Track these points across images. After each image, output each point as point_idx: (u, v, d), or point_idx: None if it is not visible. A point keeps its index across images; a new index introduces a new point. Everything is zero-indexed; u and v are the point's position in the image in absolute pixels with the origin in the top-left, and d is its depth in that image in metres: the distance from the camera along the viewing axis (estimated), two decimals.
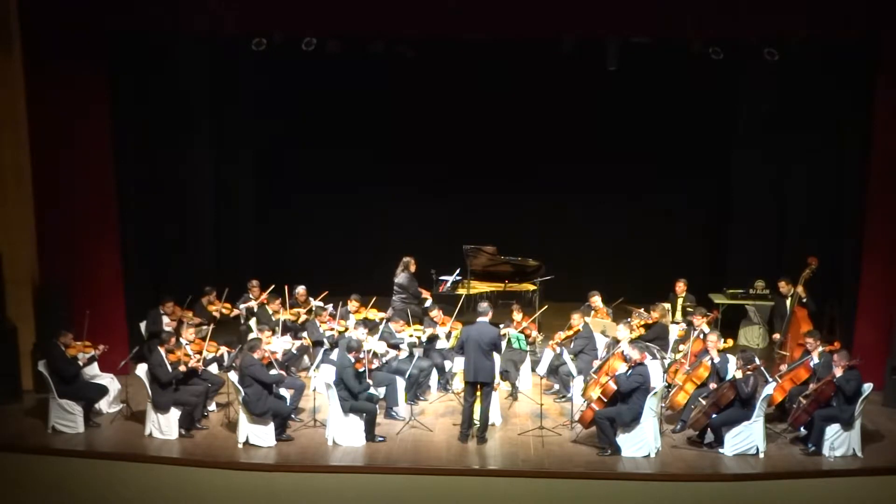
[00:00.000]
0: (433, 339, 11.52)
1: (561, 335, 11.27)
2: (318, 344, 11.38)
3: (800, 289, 11.62)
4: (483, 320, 9.94)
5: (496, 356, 10.06)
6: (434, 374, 11.45)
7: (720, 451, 9.63)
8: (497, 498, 9.25)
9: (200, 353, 10.41)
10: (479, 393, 9.84)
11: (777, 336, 11.83)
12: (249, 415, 9.73)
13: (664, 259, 14.77)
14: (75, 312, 10.96)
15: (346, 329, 11.42)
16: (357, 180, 15.39)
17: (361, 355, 10.00)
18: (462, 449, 9.78)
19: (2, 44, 10.87)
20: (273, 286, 12.43)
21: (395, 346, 11.09)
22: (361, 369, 9.90)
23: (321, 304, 12.40)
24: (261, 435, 9.77)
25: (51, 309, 11.15)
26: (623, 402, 9.54)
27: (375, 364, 10.17)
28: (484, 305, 10.12)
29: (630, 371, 9.54)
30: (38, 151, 11.27)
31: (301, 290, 12.42)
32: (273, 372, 10.00)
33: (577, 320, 11.30)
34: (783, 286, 11.85)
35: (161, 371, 9.89)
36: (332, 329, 11.52)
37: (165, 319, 11.66)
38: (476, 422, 9.92)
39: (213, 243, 14.65)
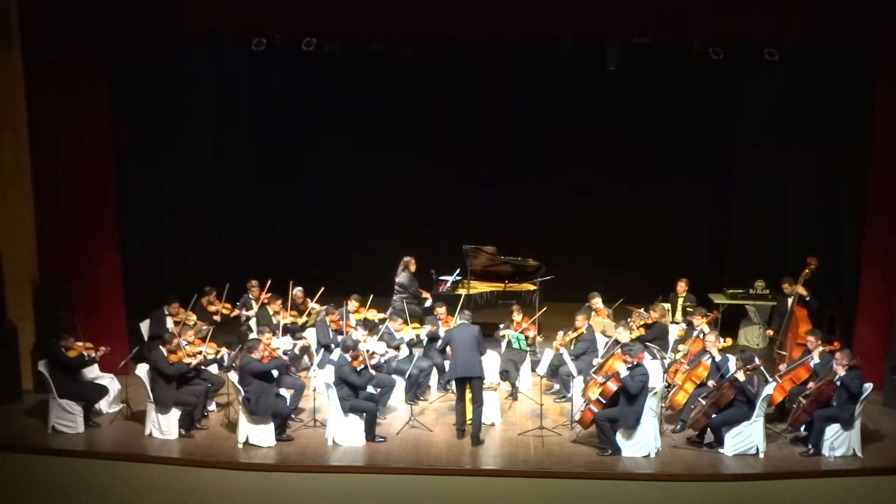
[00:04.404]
0: (434, 338, 11.52)
1: (565, 337, 11.26)
2: (326, 348, 11.34)
3: (800, 288, 11.62)
4: (464, 321, 10.17)
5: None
6: (434, 374, 11.45)
7: (720, 451, 9.64)
8: (497, 498, 9.25)
9: (200, 353, 10.43)
10: (470, 393, 9.87)
11: (770, 332, 11.84)
12: (249, 415, 9.73)
13: (664, 259, 14.77)
14: (75, 312, 10.96)
15: (345, 328, 11.43)
16: (357, 180, 15.39)
17: (358, 354, 10.00)
18: (462, 449, 9.77)
19: (2, 44, 10.87)
20: (269, 283, 12.47)
21: (396, 348, 11.08)
22: (359, 367, 9.90)
23: (316, 305, 12.42)
24: (261, 435, 9.77)
25: (51, 309, 11.14)
26: (628, 405, 9.52)
27: (374, 360, 10.16)
28: (466, 312, 10.47)
29: (632, 372, 9.52)
30: (38, 151, 11.27)
31: (298, 291, 12.43)
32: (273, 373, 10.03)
33: (580, 322, 11.31)
34: (787, 287, 11.86)
35: (164, 364, 9.90)
36: (339, 327, 11.51)
37: (169, 321, 11.65)
38: (469, 421, 9.93)
39: (213, 243, 14.64)
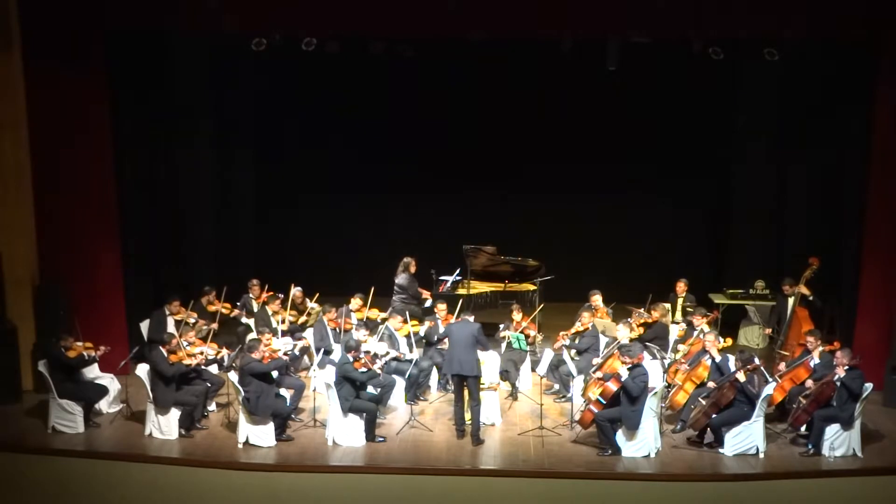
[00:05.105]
0: (431, 342, 11.53)
1: (569, 331, 11.38)
2: (325, 352, 11.32)
3: (803, 289, 11.62)
4: (466, 318, 10.21)
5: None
6: (434, 374, 11.46)
7: (720, 451, 9.64)
8: (497, 498, 9.25)
9: (201, 353, 10.43)
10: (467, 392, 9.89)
11: (769, 331, 11.86)
12: (249, 415, 9.73)
13: (664, 259, 14.77)
14: (75, 312, 10.96)
15: (352, 327, 11.45)
16: (357, 180, 15.37)
17: (360, 355, 10.01)
18: (462, 449, 9.78)
19: (2, 44, 10.87)
20: (268, 284, 12.47)
21: (396, 359, 11.04)
22: (361, 370, 9.89)
23: (316, 305, 12.42)
24: (261, 435, 9.77)
25: (51, 309, 11.14)
26: (630, 405, 9.51)
27: (377, 364, 10.16)
28: (468, 312, 10.57)
29: (632, 373, 9.51)
30: (38, 151, 11.27)
31: (297, 291, 12.42)
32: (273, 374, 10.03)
33: (587, 319, 11.43)
34: (787, 288, 11.87)
35: (164, 366, 9.90)
36: (337, 325, 11.50)
37: (170, 321, 11.63)
38: (468, 420, 9.95)
39: (213, 243, 14.64)
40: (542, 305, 12.66)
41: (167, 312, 11.72)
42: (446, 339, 10.49)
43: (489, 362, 10.55)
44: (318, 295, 12.68)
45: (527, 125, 14.86)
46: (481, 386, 10.00)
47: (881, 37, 10.95)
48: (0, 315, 11.11)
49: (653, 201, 15.24)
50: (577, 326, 11.46)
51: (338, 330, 11.50)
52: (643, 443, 9.55)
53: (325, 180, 15.40)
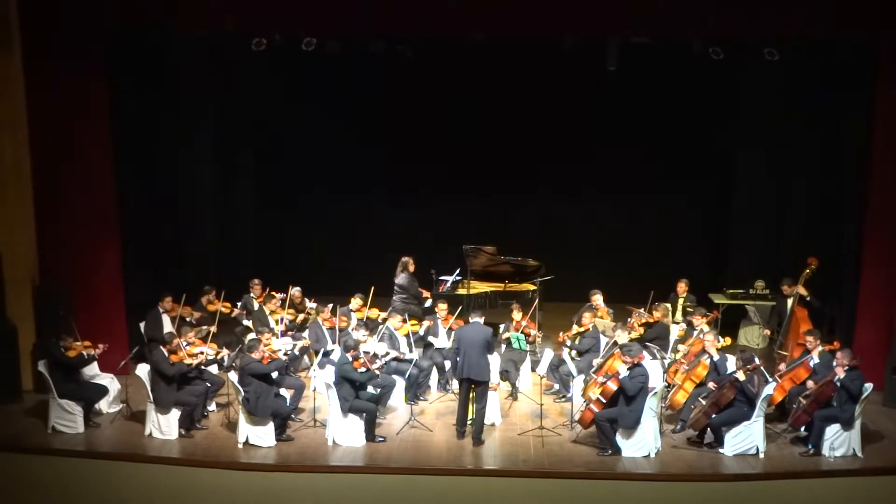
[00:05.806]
0: (428, 345, 11.51)
1: (571, 331, 11.41)
2: (324, 355, 11.32)
3: (801, 289, 11.63)
4: (477, 321, 10.09)
5: (493, 357, 10.13)
6: (434, 374, 11.46)
7: (720, 451, 9.64)
8: (497, 498, 9.25)
9: (202, 353, 10.43)
10: (473, 394, 9.88)
11: (768, 332, 11.86)
12: (249, 415, 9.73)
13: (664, 259, 14.77)
14: (74, 312, 10.96)
15: (348, 324, 11.44)
16: (357, 180, 15.40)
17: (360, 355, 10.00)
18: (462, 449, 9.78)
19: (2, 44, 10.87)
20: (269, 285, 12.47)
21: (397, 359, 11.03)
22: (361, 369, 9.89)
23: (314, 305, 12.42)
24: (261, 435, 9.77)
25: (51, 309, 11.14)
26: (626, 405, 9.53)
27: (376, 364, 10.16)
28: (478, 312, 10.37)
29: (631, 373, 9.52)
30: (38, 151, 11.27)
31: (296, 291, 12.42)
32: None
33: (588, 319, 11.46)
34: (786, 289, 11.88)
35: (165, 365, 9.90)
36: (332, 324, 11.51)
37: (165, 318, 11.64)
38: (470, 422, 9.93)
39: (213, 243, 14.63)
40: (536, 301, 12.65)
41: (161, 310, 11.72)
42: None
43: (490, 363, 10.54)
44: (314, 300, 12.66)
45: (527, 125, 14.87)
46: None
47: (881, 37, 10.96)
48: (0, 315, 11.10)
49: (652, 201, 15.26)
50: (578, 328, 11.47)
51: (335, 329, 11.50)
52: (643, 443, 9.55)
53: (325, 180, 15.42)
